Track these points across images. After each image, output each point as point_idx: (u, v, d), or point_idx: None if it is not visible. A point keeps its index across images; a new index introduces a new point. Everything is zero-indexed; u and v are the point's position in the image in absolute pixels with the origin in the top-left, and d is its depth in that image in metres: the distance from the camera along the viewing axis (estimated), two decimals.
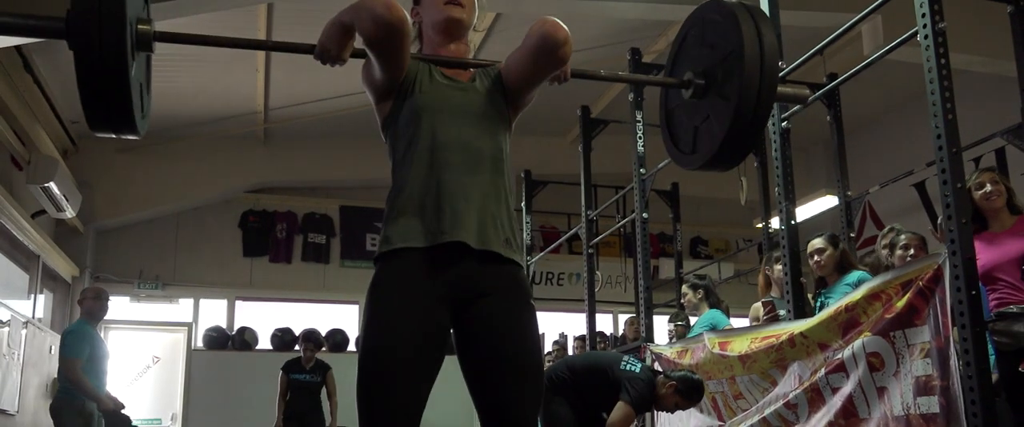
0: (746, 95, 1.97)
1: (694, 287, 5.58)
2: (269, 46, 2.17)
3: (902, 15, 5.90)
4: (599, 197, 8.40)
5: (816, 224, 9.25)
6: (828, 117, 6.14)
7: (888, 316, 3.39)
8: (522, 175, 8.58)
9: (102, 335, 9.80)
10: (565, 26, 1.91)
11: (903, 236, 4.33)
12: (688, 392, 4.23)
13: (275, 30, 7.54)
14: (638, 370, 4.23)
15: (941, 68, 3.18)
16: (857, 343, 3.53)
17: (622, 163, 7.25)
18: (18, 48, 7.05)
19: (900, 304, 3.34)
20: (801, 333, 3.89)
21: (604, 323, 11.60)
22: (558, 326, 10.62)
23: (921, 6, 3.25)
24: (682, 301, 5.83)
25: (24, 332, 7.64)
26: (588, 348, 7.39)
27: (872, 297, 3.52)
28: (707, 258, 11.78)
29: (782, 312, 4.64)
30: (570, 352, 9.75)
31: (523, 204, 8.52)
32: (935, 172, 3.16)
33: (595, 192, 8.19)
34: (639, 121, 5.84)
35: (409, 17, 1.88)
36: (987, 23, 5.86)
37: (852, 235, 5.97)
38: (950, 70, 3.19)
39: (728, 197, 6.84)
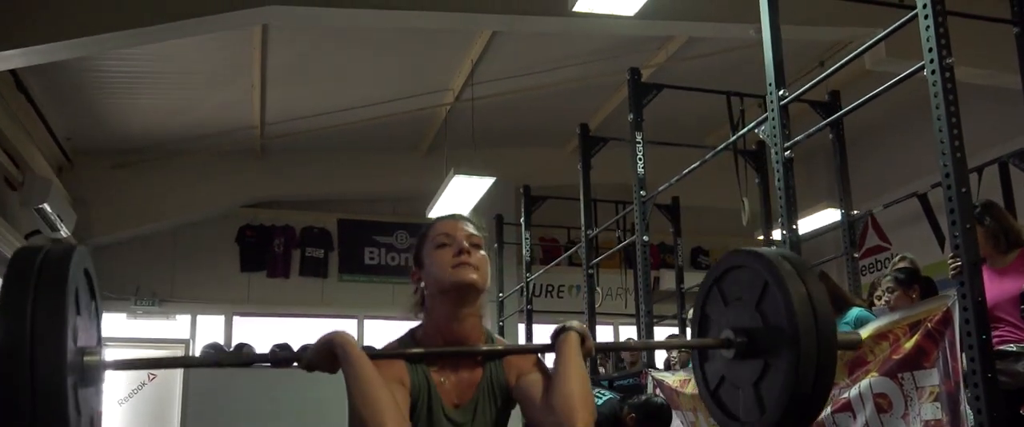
0: (803, 376, 1.74)
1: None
2: (255, 359, 2.02)
3: (905, 30, 5.85)
4: (599, 210, 8.32)
5: (817, 244, 9.17)
6: (830, 136, 6.04)
7: (896, 357, 3.31)
8: (521, 190, 8.50)
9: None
10: (591, 422, 1.67)
11: (886, 279, 4.23)
12: (647, 420, 4.08)
13: (270, 51, 7.46)
14: (600, 403, 4.10)
15: (949, 104, 3.09)
16: (864, 383, 3.46)
17: (621, 174, 7.16)
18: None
19: (908, 345, 3.26)
20: None
21: (605, 335, 11.51)
22: None
23: (928, 40, 3.17)
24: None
25: None
26: (586, 361, 7.29)
27: (879, 337, 3.44)
28: (708, 268, 11.67)
29: None
30: None
31: (522, 220, 8.44)
32: (945, 211, 3.07)
33: (595, 206, 8.11)
34: (639, 141, 5.74)
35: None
36: (987, 35, 5.78)
37: (856, 255, 5.87)
38: (958, 107, 3.10)
39: (729, 207, 6.76)
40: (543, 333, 7.57)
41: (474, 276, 1.75)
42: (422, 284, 1.83)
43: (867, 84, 6.00)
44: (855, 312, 4.20)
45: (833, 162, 6.08)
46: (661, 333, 8.65)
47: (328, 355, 1.73)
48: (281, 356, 1.82)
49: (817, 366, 1.72)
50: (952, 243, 3.06)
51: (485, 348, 1.81)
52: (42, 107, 8.16)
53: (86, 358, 1.62)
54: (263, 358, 1.85)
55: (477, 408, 1.78)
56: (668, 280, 10.45)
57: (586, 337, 1.78)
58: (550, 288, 11.18)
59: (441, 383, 1.78)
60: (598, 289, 7.30)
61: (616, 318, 10.96)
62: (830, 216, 8.40)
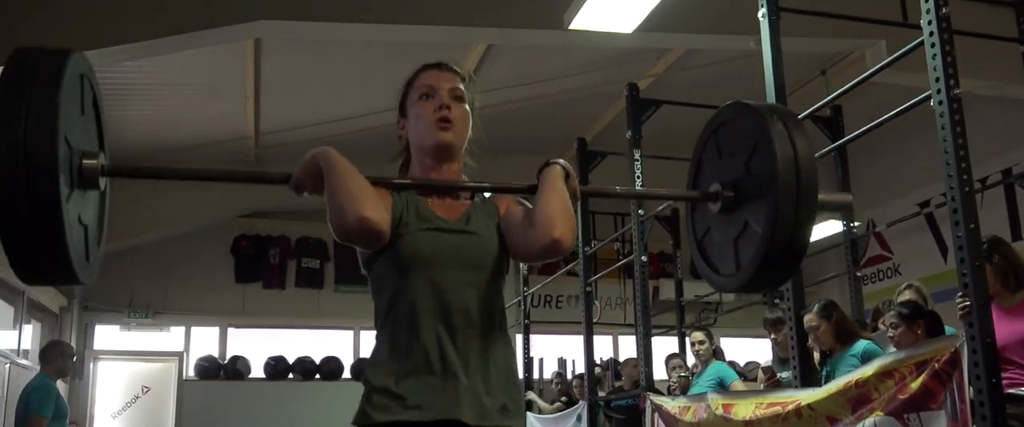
0: (780, 228, 1.72)
1: (710, 336, 5.41)
2: (241, 177, 2.08)
3: (908, 38, 5.75)
4: (597, 222, 8.21)
5: (819, 259, 9.05)
6: (833, 152, 5.92)
7: (902, 397, 3.20)
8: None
9: (91, 368, 9.73)
10: (570, 233, 1.68)
11: (890, 313, 4.10)
12: None
13: (263, 62, 7.35)
14: None
15: (957, 136, 2.98)
16: (868, 421, 3.34)
17: (620, 183, 7.05)
18: None
19: (915, 385, 3.15)
20: (809, 405, 3.69)
21: (603, 346, 11.40)
22: (557, 349, 10.41)
23: (935, 69, 3.05)
24: (696, 349, 5.62)
25: (8, 368, 7.46)
26: (586, 378, 7.20)
27: (884, 374, 3.33)
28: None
29: (784, 375, 4.44)
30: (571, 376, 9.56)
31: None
32: (954, 249, 2.95)
33: (593, 219, 8.00)
34: (637, 159, 5.63)
35: (385, 218, 1.66)
36: (992, 46, 5.67)
37: (859, 275, 5.76)
38: (966, 139, 2.99)
39: None
40: (542, 345, 7.47)
41: (451, 137, 1.80)
42: (406, 133, 1.89)
43: (869, 93, 5.90)
44: (863, 345, 4.10)
45: (834, 176, 5.97)
46: (660, 343, 8.54)
47: (313, 168, 1.71)
48: (269, 176, 1.82)
49: (794, 224, 1.73)
50: (961, 282, 2.94)
51: (471, 184, 1.84)
52: None
53: (85, 161, 1.61)
54: (249, 177, 1.90)
55: (470, 219, 1.79)
56: (668, 290, 10.34)
57: (571, 174, 1.79)
58: (549, 298, 11.07)
59: (430, 203, 1.80)
60: (596, 303, 7.19)
61: (615, 328, 10.84)
62: (832, 227, 8.28)
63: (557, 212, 1.68)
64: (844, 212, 1.90)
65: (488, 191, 1.85)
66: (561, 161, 1.81)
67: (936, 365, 3.06)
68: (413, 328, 1.67)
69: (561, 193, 1.73)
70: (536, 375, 9.54)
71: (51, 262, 1.52)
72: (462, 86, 1.86)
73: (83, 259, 1.63)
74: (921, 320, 3.83)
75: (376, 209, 1.64)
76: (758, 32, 4.16)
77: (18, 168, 1.43)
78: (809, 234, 1.77)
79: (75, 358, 5.46)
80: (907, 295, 4.37)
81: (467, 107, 1.85)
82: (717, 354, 5.38)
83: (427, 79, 1.86)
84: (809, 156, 1.76)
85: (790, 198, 1.72)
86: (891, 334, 3.89)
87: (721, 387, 5.31)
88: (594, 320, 6.76)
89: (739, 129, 1.90)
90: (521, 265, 8.49)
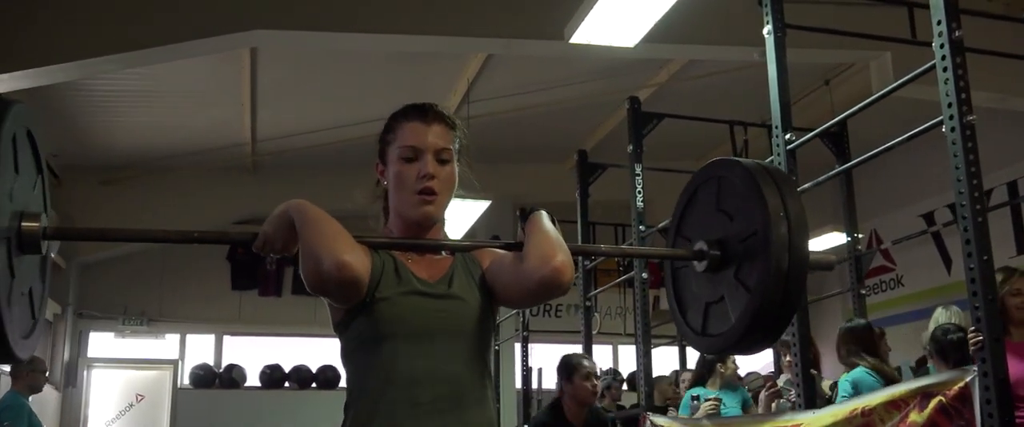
0: (771, 289, 1.67)
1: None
2: (198, 239, 1.80)
3: (911, 51, 5.66)
4: (597, 233, 8.10)
5: (822, 275, 8.97)
6: (837, 165, 5.83)
7: None
8: (518, 213, 8.28)
9: (85, 375, 9.63)
10: (570, 264, 1.56)
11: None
12: None
13: (260, 70, 7.27)
14: None
15: (970, 165, 2.88)
16: None
17: (619, 192, 6.96)
18: None
19: (919, 419, 3.05)
20: None
21: (604, 356, 11.30)
22: (556, 359, 10.30)
23: (947, 95, 2.95)
24: (721, 370, 5.51)
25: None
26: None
27: (891, 405, 3.23)
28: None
29: (783, 385, 4.37)
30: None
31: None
32: (966, 281, 2.86)
33: (594, 230, 7.90)
34: (638, 174, 5.53)
35: (365, 264, 1.54)
36: (995, 59, 5.59)
37: (863, 292, 5.67)
38: (979, 167, 2.89)
39: None
40: (541, 355, 7.35)
41: (432, 210, 1.68)
42: (385, 183, 1.76)
43: (873, 105, 5.81)
44: (857, 372, 4.04)
45: (840, 193, 5.88)
46: (660, 354, 8.44)
47: (284, 222, 1.58)
48: (233, 237, 1.72)
49: (786, 289, 1.69)
50: (973, 316, 2.85)
51: (452, 242, 1.73)
52: None
53: (24, 224, 1.49)
54: (211, 238, 1.76)
55: (453, 280, 1.66)
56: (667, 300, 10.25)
57: (554, 220, 1.69)
58: (548, 308, 10.97)
59: (410, 262, 1.67)
60: (596, 315, 7.10)
61: (615, 338, 10.75)
62: (834, 239, 8.18)
63: (554, 243, 1.58)
64: (825, 270, 1.87)
65: (471, 249, 1.74)
66: (541, 209, 1.72)
67: (944, 399, 2.96)
68: (386, 408, 1.53)
69: (553, 231, 1.63)
70: (535, 385, 9.44)
71: None
72: (449, 141, 1.73)
73: (24, 334, 1.51)
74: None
75: (355, 254, 1.51)
76: (762, 44, 4.07)
77: None
78: (800, 298, 1.74)
79: (47, 373, 5.36)
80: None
81: (453, 166, 1.72)
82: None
83: (410, 137, 1.71)
84: (802, 219, 1.72)
85: (783, 262, 1.67)
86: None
87: (744, 411, 5.24)
88: (594, 332, 6.66)
89: (728, 188, 1.84)
90: None
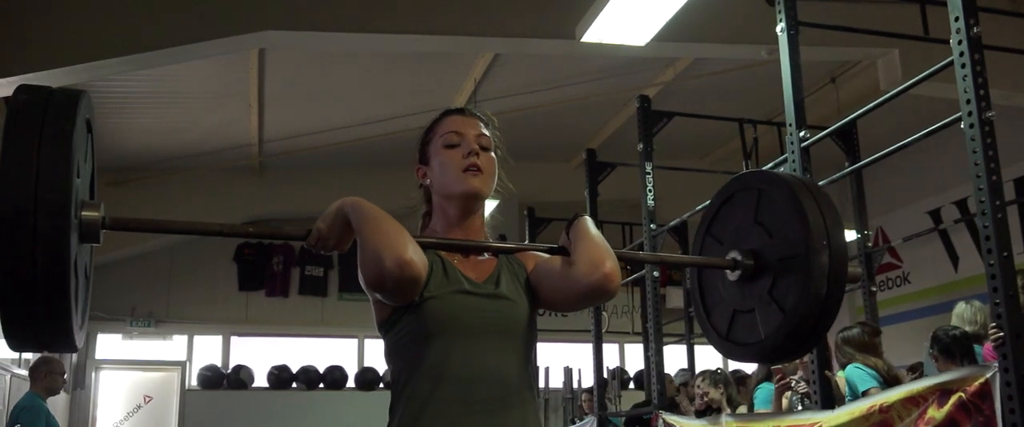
0: (807, 314, 1.68)
1: (715, 383, 5.31)
2: (252, 234, 1.79)
3: (920, 49, 5.66)
4: (605, 233, 8.10)
5: None
6: (846, 163, 5.83)
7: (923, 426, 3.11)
8: (525, 212, 8.29)
9: (93, 377, 9.64)
10: (618, 270, 1.58)
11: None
12: None
13: (268, 70, 7.28)
14: None
15: (989, 161, 2.88)
16: None
17: (627, 191, 6.97)
18: None
19: (938, 415, 3.05)
20: None
21: (611, 352, 11.31)
22: (563, 358, 10.32)
23: (966, 91, 2.96)
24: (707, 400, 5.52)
25: (9, 379, 7.39)
26: (595, 393, 7.11)
27: (909, 401, 3.23)
28: None
29: (796, 381, 4.37)
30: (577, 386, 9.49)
31: (526, 241, 8.23)
32: (987, 277, 2.86)
33: (602, 229, 7.90)
34: (649, 172, 5.54)
35: (425, 262, 1.53)
36: (1000, 56, 5.61)
37: (874, 289, 5.66)
38: (999, 164, 2.90)
39: None
40: (549, 353, 7.31)
41: (479, 184, 1.68)
42: (428, 181, 1.75)
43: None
44: (848, 369, 4.08)
45: (850, 191, 5.88)
46: (669, 352, 8.44)
47: (339, 221, 1.58)
48: (287, 233, 1.67)
49: (824, 303, 1.69)
50: (993, 312, 2.85)
51: (498, 244, 1.73)
52: None
53: (85, 213, 1.46)
54: (267, 234, 1.75)
55: (499, 281, 1.66)
56: (675, 298, 10.26)
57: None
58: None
59: (457, 262, 1.68)
60: (604, 313, 7.11)
61: (623, 336, 10.76)
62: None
63: (603, 249, 1.60)
64: (854, 283, 1.89)
65: (516, 251, 1.74)
66: (586, 215, 1.73)
67: (964, 396, 2.97)
68: (434, 407, 1.53)
69: (600, 236, 1.64)
70: (542, 384, 9.46)
71: (54, 328, 1.37)
72: (487, 132, 1.75)
73: (80, 325, 1.51)
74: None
75: (417, 252, 1.50)
76: (769, 41, 4.07)
77: (26, 226, 1.29)
78: (833, 321, 1.74)
79: (66, 375, 5.35)
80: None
81: (494, 155, 1.74)
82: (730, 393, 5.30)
83: (452, 126, 1.74)
84: (844, 247, 1.72)
85: (821, 289, 1.68)
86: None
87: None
88: (603, 330, 6.66)
89: (769, 202, 1.83)
90: None
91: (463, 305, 1.59)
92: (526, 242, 7.48)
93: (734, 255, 1.85)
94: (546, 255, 1.73)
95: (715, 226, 1.98)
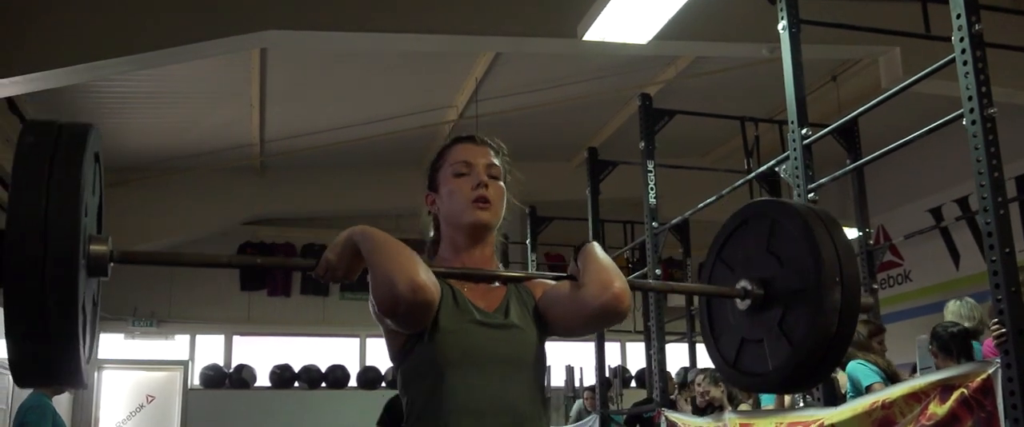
0: (816, 349, 1.67)
1: (715, 381, 5.32)
2: (260, 264, 1.75)
3: (921, 46, 5.66)
4: (607, 230, 8.11)
5: None
6: (847, 161, 5.83)
7: (925, 422, 3.12)
8: (527, 212, 8.30)
9: (95, 377, 9.65)
10: (628, 291, 1.59)
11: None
12: None
13: (269, 70, 7.28)
14: None
15: (991, 157, 2.89)
16: None
17: (628, 189, 6.98)
18: None
19: (940, 411, 3.06)
20: (831, 425, 3.62)
21: (612, 351, 11.32)
22: (565, 356, 10.32)
23: (967, 89, 2.97)
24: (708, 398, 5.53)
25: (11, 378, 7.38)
26: (598, 391, 7.13)
27: (912, 397, 3.24)
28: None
29: None
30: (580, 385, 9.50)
31: (528, 241, 8.24)
32: (989, 273, 2.87)
33: (603, 228, 7.91)
34: (651, 170, 5.54)
35: (437, 285, 1.52)
36: (1001, 53, 5.61)
37: (875, 287, 5.67)
38: (1000, 160, 2.91)
39: None
40: (550, 352, 7.34)
41: (489, 217, 1.70)
42: (437, 209, 1.76)
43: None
44: (850, 365, 4.10)
45: (849, 187, 5.89)
46: (671, 351, 8.46)
47: (348, 249, 1.55)
48: (294, 263, 1.67)
49: (836, 335, 1.67)
50: (995, 309, 2.86)
51: (507, 273, 1.75)
52: None
53: (93, 249, 1.46)
54: (274, 264, 1.69)
55: (509, 310, 1.67)
56: (676, 296, 10.26)
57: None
58: None
59: (466, 291, 1.68)
60: None
61: (625, 335, 10.77)
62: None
63: (612, 270, 1.60)
64: (865, 313, 1.88)
65: (524, 279, 1.76)
66: (593, 242, 1.74)
67: (966, 391, 2.97)
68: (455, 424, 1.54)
69: (608, 259, 1.65)
70: (544, 382, 9.46)
71: (63, 367, 1.37)
72: (497, 161, 1.76)
73: (87, 359, 1.49)
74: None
75: (429, 275, 1.49)
76: (770, 39, 4.08)
77: (36, 274, 1.29)
78: (843, 354, 1.74)
79: None
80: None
81: (503, 184, 1.75)
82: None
83: (462, 154, 1.75)
84: (856, 281, 1.70)
85: (832, 325, 1.66)
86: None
87: None
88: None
89: (781, 233, 1.81)
90: (531, 270, 8.40)
91: (474, 335, 1.59)
92: (530, 250, 7.48)
93: (744, 284, 1.82)
94: (553, 282, 1.74)
95: (726, 252, 1.95)
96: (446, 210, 1.72)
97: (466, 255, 1.71)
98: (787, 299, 1.76)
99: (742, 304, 1.84)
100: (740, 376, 1.89)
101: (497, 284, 1.72)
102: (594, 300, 1.57)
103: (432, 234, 1.78)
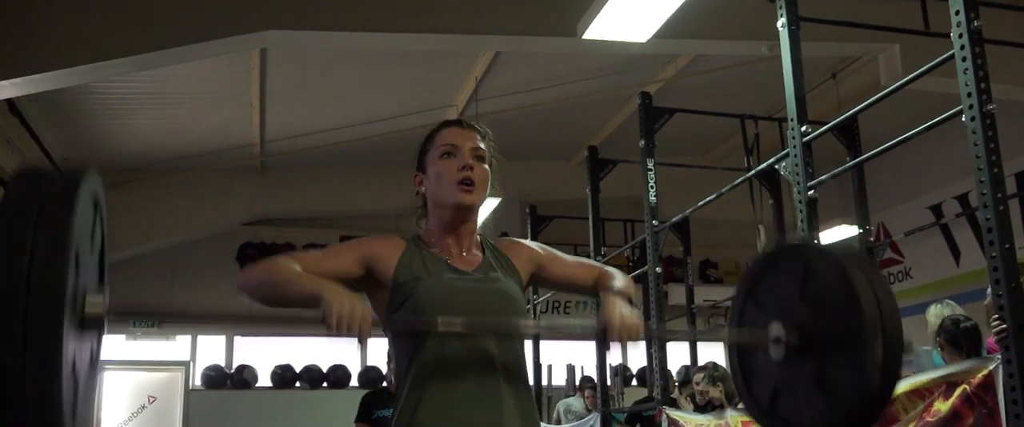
0: (858, 409, 1.63)
1: (713, 381, 5.31)
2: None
3: (921, 43, 5.67)
4: (607, 229, 8.12)
5: None
6: (847, 158, 5.83)
7: (929, 419, 3.13)
8: (527, 210, 8.30)
9: (97, 378, 9.59)
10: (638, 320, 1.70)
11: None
12: None
13: (269, 70, 7.29)
14: None
15: (990, 154, 2.90)
16: None
17: (628, 188, 6.98)
18: None
19: (943, 408, 3.07)
20: None
21: (612, 350, 11.32)
22: (565, 356, 10.32)
23: (966, 85, 2.97)
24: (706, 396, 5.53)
25: None
26: (599, 388, 7.12)
27: (914, 393, 3.25)
28: (717, 281, 11.51)
29: None
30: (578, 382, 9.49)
31: (527, 239, 8.23)
32: (986, 267, 2.88)
33: (603, 227, 7.91)
34: (651, 168, 5.55)
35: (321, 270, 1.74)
36: (1001, 49, 5.62)
37: None
38: (1000, 156, 2.91)
39: (738, 219, 6.57)
40: (551, 352, 7.27)
41: (473, 199, 1.81)
42: (424, 189, 1.88)
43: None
44: None
45: (849, 184, 5.88)
46: (672, 350, 8.47)
47: (311, 301, 1.74)
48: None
49: (879, 389, 1.63)
50: (996, 304, 2.86)
51: (534, 324, 2.12)
52: (37, 129, 7.99)
53: (88, 310, 1.44)
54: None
55: (488, 270, 1.81)
56: (677, 295, 10.24)
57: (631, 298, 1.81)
58: (557, 304, 10.99)
59: (439, 253, 1.82)
60: None
61: None
62: (844, 232, 8.19)
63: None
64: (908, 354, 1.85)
65: (545, 338, 1.93)
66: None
67: (968, 388, 2.98)
68: (431, 387, 1.64)
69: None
70: (545, 382, 9.45)
71: None
72: (482, 144, 1.87)
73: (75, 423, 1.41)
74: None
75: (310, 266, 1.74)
76: (770, 37, 4.09)
77: (17, 314, 1.22)
78: (897, 379, 1.72)
79: None
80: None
81: (487, 167, 1.86)
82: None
83: (448, 137, 1.86)
84: (898, 334, 1.64)
85: (874, 382, 1.61)
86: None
87: None
88: None
89: (818, 279, 1.74)
90: None
91: (454, 286, 1.72)
92: (527, 240, 7.48)
93: (778, 332, 1.76)
94: (542, 252, 1.90)
95: (759, 291, 1.89)
96: (433, 190, 1.84)
97: (451, 232, 1.83)
98: (824, 350, 1.69)
99: (775, 352, 1.78)
100: (775, 424, 1.83)
101: (475, 253, 1.84)
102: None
103: (421, 212, 1.90)
